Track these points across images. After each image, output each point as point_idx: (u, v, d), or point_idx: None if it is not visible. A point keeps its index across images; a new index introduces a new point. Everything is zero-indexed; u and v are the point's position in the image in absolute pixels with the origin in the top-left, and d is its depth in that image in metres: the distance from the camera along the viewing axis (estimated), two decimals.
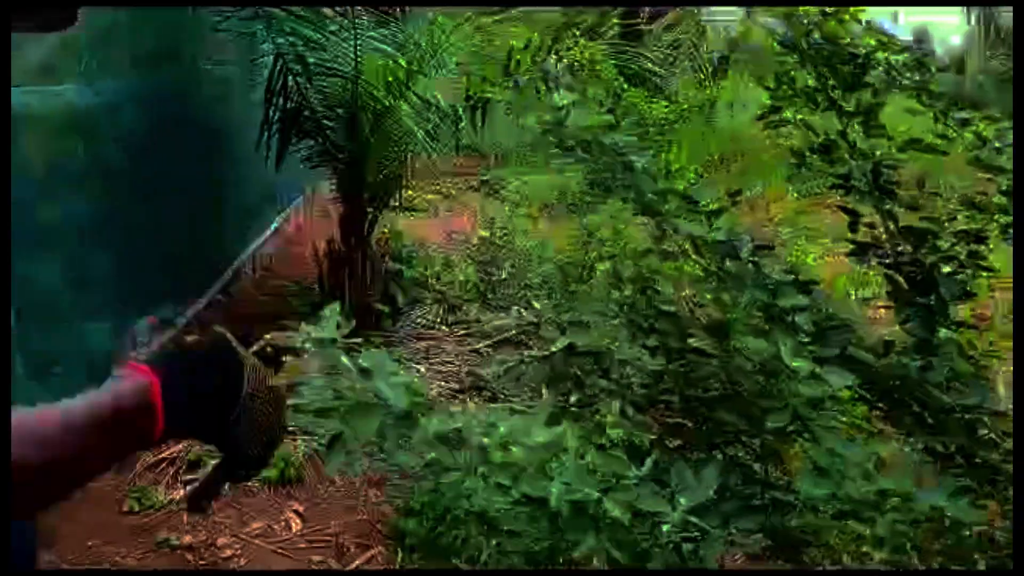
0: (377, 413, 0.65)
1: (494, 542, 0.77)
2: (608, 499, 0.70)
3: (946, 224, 0.94)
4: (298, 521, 3.22)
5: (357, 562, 2.98)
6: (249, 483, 3.51)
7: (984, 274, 0.92)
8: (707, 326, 0.80)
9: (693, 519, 0.71)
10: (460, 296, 5.16)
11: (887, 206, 0.97)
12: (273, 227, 6.06)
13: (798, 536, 0.85)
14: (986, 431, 0.84)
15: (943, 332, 0.89)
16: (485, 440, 0.71)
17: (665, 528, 0.70)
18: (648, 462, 0.76)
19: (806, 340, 0.77)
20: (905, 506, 0.55)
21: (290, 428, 3.34)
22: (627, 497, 0.71)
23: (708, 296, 0.77)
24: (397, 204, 5.71)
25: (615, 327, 0.90)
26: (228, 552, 3.01)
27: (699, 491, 0.74)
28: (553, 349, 0.87)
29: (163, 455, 3.56)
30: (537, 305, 4.13)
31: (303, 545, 3.07)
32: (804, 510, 0.84)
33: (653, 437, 0.87)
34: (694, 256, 0.84)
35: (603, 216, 4.74)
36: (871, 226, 1.05)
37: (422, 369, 4.28)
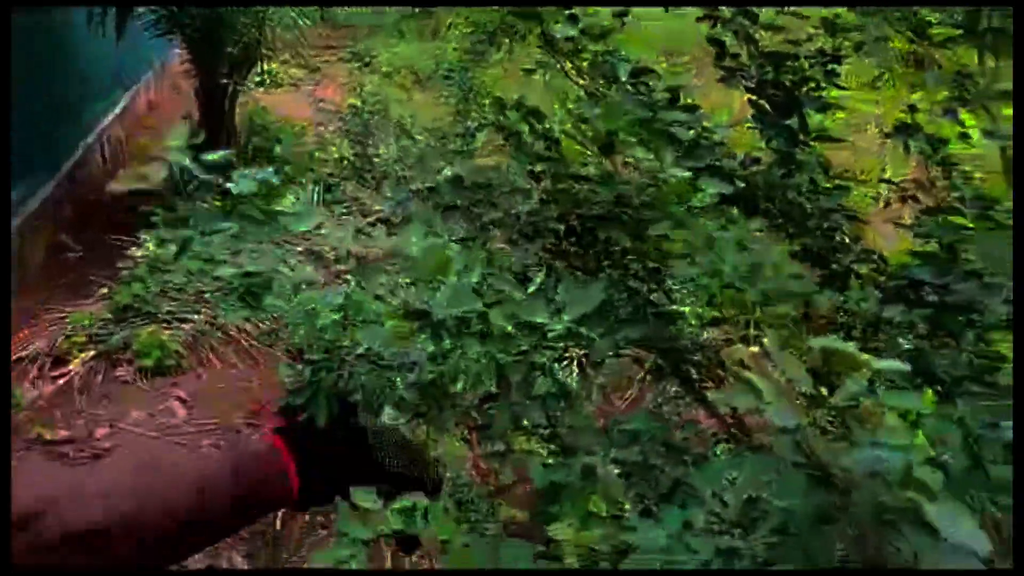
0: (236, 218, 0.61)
1: (385, 378, 0.77)
2: (493, 312, 0.71)
3: (803, 45, 0.98)
4: (182, 408, 3.15)
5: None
6: (126, 375, 3.36)
7: (837, 92, 0.97)
8: (593, 140, 0.80)
9: (578, 328, 0.74)
10: (336, 174, 4.97)
11: (750, 30, 0.99)
12: (121, 106, 5.53)
13: (681, 349, 0.91)
14: (843, 237, 0.91)
15: (804, 151, 0.94)
16: (363, 251, 0.70)
17: (551, 335, 0.72)
18: (536, 280, 0.77)
19: (680, 153, 0.80)
20: (779, 276, 0.59)
21: (162, 315, 3.18)
22: (513, 310, 0.72)
23: (599, 111, 0.76)
24: (260, 78, 5.32)
25: (502, 158, 0.89)
26: (108, 444, 2.91)
27: (584, 304, 0.76)
28: (440, 179, 0.85)
29: (22, 353, 3.34)
30: (421, 138, 4.02)
31: (191, 431, 3.01)
32: (682, 322, 0.90)
33: (540, 264, 0.89)
34: (576, 77, 0.84)
35: (485, 76, 4.60)
36: (736, 55, 1.07)
37: (300, 249, 4.16)
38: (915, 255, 0.79)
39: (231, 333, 3.52)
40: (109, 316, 3.45)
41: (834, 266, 0.86)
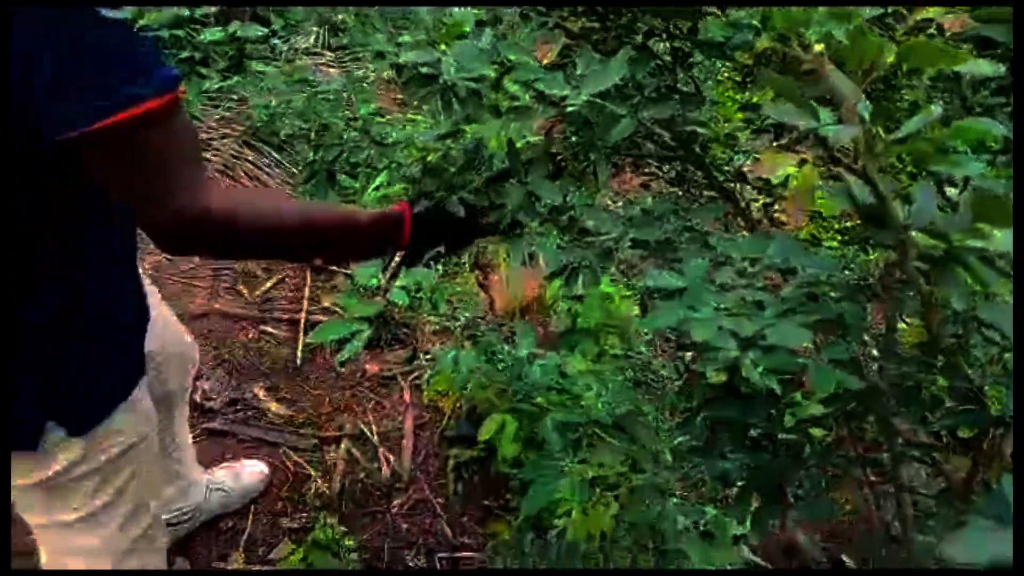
0: None
1: (386, 162, 0.71)
2: (507, 79, 0.65)
3: None
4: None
5: (267, 286, 2.99)
6: None
7: None
8: None
9: (599, 101, 0.67)
10: (345, 18, 4.72)
11: None
12: None
13: (705, 141, 0.84)
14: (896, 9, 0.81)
15: None
16: None
17: (569, 109, 0.66)
18: (552, 52, 0.69)
19: None
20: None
21: None
22: (528, 77, 0.65)
23: None
24: None
25: None
26: None
27: (605, 78, 0.69)
28: None
29: None
30: None
31: (207, 273, 3.03)
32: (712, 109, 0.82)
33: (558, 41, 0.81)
34: None
35: None
36: None
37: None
38: (978, 19, 0.70)
39: (242, 181, 3.47)
40: None
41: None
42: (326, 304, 2.98)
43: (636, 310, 2.57)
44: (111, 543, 1.15)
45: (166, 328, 1.49)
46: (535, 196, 0.69)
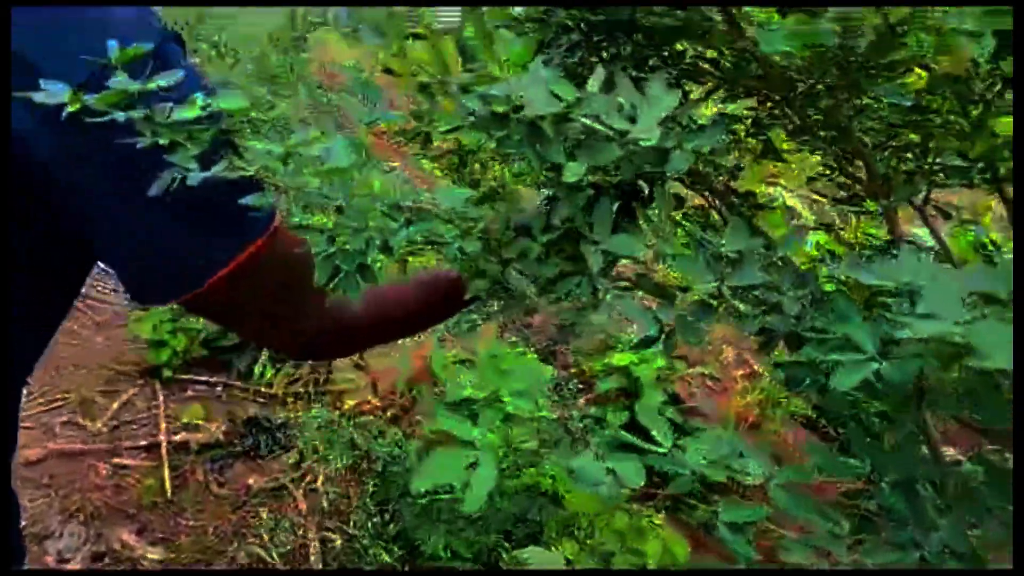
0: None
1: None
2: (575, 113, 0.54)
3: None
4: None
5: (111, 410, 2.58)
6: None
7: None
8: None
9: (661, 130, 0.57)
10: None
11: None
12: None
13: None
14: None
15: None
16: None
17: (644, 144, 0.56)
18: (593, 82, 0.59)
19: None
20: None
21: None
22: (599, 110, 0.54)
23: None
24: None
25: None
26: None
27: (657, 108, 0.60)
28: None
29: None
30: None
31: (37, 409, 2.57)
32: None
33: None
34: None
35: None
36: None
37: None
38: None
39: None
40: None
41: None
42: (186, 420, 2.61)
43: (546, 368, 2.47)
44: None
45: None
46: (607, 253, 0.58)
